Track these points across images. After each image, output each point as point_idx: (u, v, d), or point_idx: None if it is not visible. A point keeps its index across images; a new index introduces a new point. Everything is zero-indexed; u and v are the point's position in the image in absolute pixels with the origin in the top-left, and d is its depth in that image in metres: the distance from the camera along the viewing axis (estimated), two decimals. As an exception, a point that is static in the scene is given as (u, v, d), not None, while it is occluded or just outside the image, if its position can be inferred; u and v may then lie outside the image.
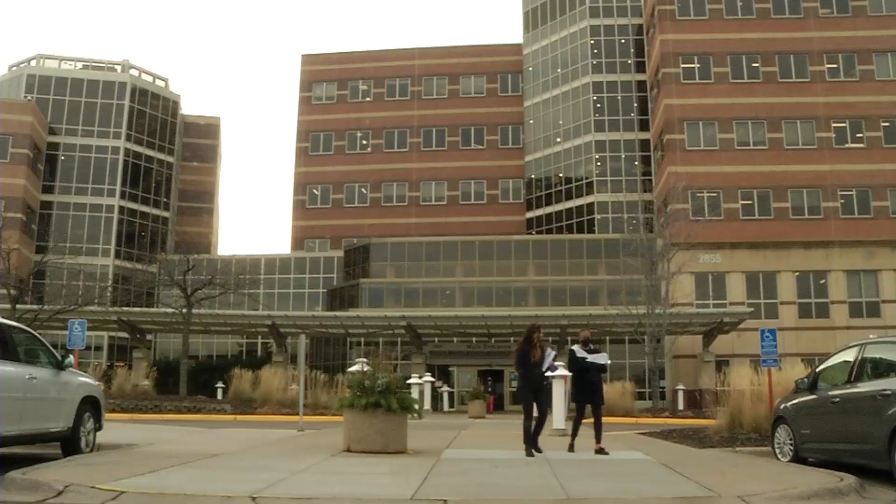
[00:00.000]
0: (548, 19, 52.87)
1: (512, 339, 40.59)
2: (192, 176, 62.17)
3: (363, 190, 53.88)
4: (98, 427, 10.26)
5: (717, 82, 41.57)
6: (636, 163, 47.39)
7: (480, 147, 53.97)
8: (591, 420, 11.16)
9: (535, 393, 10.41)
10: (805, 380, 10.25)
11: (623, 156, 48.15)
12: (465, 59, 55.22)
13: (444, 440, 12.44)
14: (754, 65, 41.63)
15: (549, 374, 11.83)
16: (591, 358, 10.89)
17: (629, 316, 30.65)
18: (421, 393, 23.84)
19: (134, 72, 54.55)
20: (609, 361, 11.48)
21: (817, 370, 10.07)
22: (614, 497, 6.60)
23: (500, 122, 53.97)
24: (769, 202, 40.05)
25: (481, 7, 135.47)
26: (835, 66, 41.42)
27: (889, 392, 7.92)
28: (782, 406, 10.75)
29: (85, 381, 10.23)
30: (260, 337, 46.44)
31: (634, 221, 34.43)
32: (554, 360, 11.24)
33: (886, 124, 40.19)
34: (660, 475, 8.20)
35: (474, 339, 40.60)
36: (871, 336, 11.16)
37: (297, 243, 53.64)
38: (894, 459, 7.58)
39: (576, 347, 11.15)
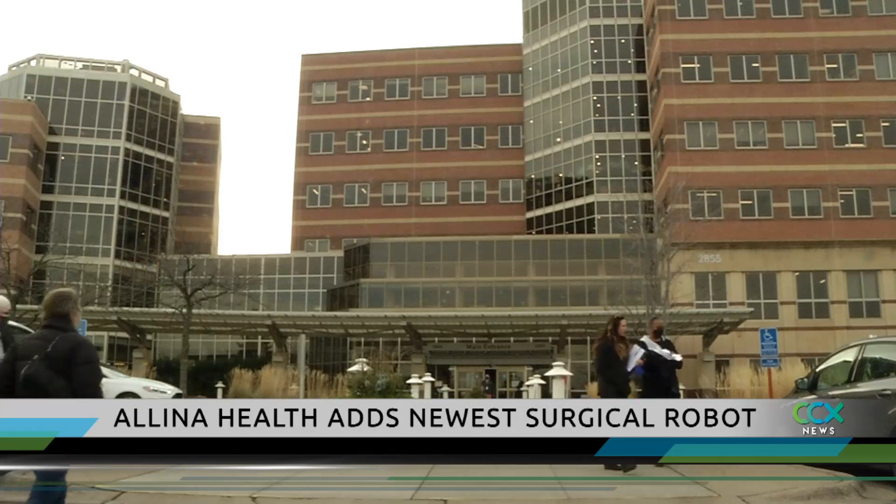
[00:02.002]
0: (548, 19, 52.86)
1: (512, 339, 40.66)
2: (192, 176, 62.14)
3: (363, 190, 53.85)
4: (98, 427, 10.22)
5: (717, 82, 41.55)
6: (636, 163, 47.34)
7: (480, 147, 53.94)
8: None
9: (620, 398, 8.41)
10: (805, 380, 10.24)
11: (623, 156, 48.12)
12: (465, 59, 55.19)
13: (444, 440, 12.40)
14: (754, 65, 41.61)
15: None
16: (662, 352, 9.32)
17: (629, 316, 30.56)
18: (421, 393, 23.81)
19: (134, 72, 54.54)
20: (681, 358, 9.88)
21: (817, 370, 10.06)
22: (614, 497, 6.60)
23: (500, 122, 53.95)
24: (769, 202, 40.02)
25: (481, 7, 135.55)
26: (835, 66, 41.40)
27: (889, 392, 7.92)
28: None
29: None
30: (260, 337, 46.40)
31: (634, 221, 34.38)
32: (642, 359, 9.27)
33: (886, 124, 40.16)
34: (659, 475, 8.19)
35: (474, 339, 40.58)
36: (871, 336, 11.15)
37: (297, 243, 53.62)
38: (894, 459, 7.56)
39: (646, 339, 9.67)
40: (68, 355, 4.23)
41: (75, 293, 4.63)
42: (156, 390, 15.66)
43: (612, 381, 8.57)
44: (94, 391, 4.33)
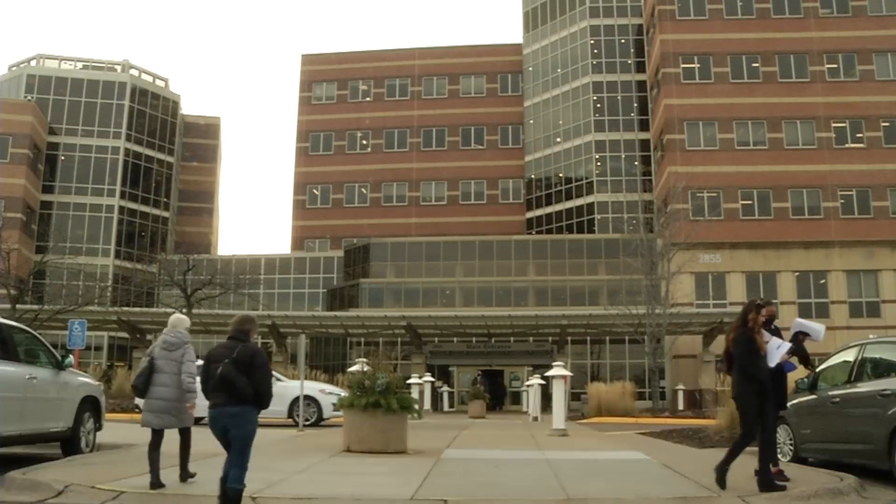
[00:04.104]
0: (548, 19, 52.85)
1: (512, 339, 40.65)
2: (192, 176, 62.14)
3: (363, 190, 53.85)
4: (98, 427, 10.26)
5: (717, 82, 41.55)
6: (636, 163, 47.36)
7: (480, 147, 53.94)
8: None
9: (762, 401, 7.01)
10: (805, 380, 10.24)
11: (623, 156, 48.12)
12: (465, 59, 55.19)
13: (444, 440, 12.44)
14: (754, 65, 41.61)
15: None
16: (785, 344, 7.66)
17: (629, 316, 30.64)
18: (421, 393, 23.83)
19: (134, 72, 54.53)
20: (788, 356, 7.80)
21: (817, 370, 10.06)
22: (614, 497, 6.60)
23: (500, 122, 53.95)
24: (769, 202, 40.02)
25: (481, 7, 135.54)
26: (835, 66, 41.40)
27: (889, 392, 7.92)
28: (782, 406, 10.73)
29: (85, 381, 10.23)
30: (260, 337, 46.36)
31: (634, 221, 34.42)
32: (788, 354, 7.71)
33: (886, 124, 40.15)
34: (660, 475, 8.20)
35: (474, 339, 40.57)
36: (871, 336, 11.15)
37: (297, 243, 53.62)
38: (894, 459, 7.58)
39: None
40: (249, 360, 5.52)
41: (255, 317, 6.10)
42: (331, 393, 17.11)
43: (754, 379, 6.96)
44: (267, 388, 5.58)
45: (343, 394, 16.72)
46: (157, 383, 6.91)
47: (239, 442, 5.42)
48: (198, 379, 6.51)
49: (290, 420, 17.02)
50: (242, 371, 5.45)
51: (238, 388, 5.40)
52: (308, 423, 16.79)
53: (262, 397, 5.52)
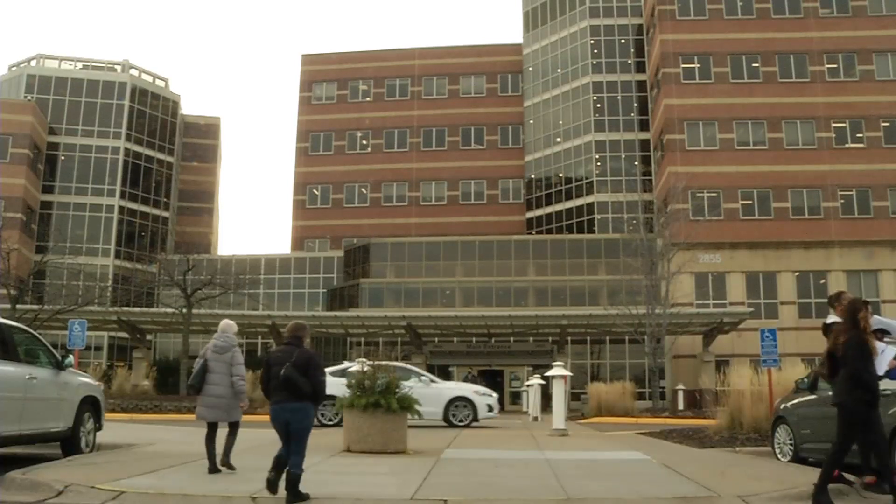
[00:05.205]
0: (548, 19, 52.85)
1: (512, 339, 40.63)
2: (192, 176, 62.14)
3: (363, 190, 53.84)
4: (98, 427, 10.25)
5: (717, 82, 41.55)
6: (636, 163, 47.34)
7: (480, 147, 53.94)
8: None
9: (872, 410, 6.39)
10: (805, 380, 10.23)
11: (623, 156, 48.12)
12: (465, 59, 55.19)
13: (443, 440, 12.43)
14: (754, 65, 41.61)
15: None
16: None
17: (629, 316, 30.64)
18: (421, 393, 23.79)
19: (134, 72, 54.52)
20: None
21: (817, 370, 10.04)
22: (614, 497, 6.59)
23: (500, 122, 53.94)
24: (769, 202, 40.03)
25: (481, 7, 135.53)
26: (835, 66, 41.40)
27: (889, 392, 7.91)
28: (782, 406, 10.74)
29: (85, 381, 10.22)
30: (260, 337, 46.36)
31: (634, 221, 34.41)
32: None
33: (886, 124, 40.16)
34: (660, 475, 8.19)
35: (474, 339, 40.57)
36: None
37: (297, 243, 53.62)
38: (894, 459, 7.56)
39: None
40: (306, 363, 6.37)
41: (307, 324, 6.87)
42: (484, 394, 18.07)
43: (868, 387, 6.25)
44: (322, 387, 6.43)
45: (494, 396, 18.27)
46: (210, 382, 7.94)
47: (298, 433, 6.23)
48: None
49: (444, 422, 17.32)
50: (301, 372, 6.29)
51: (300, 387, 6.25)
52: (462, 423, 17.28)
53: (319, 395, 6.40)
